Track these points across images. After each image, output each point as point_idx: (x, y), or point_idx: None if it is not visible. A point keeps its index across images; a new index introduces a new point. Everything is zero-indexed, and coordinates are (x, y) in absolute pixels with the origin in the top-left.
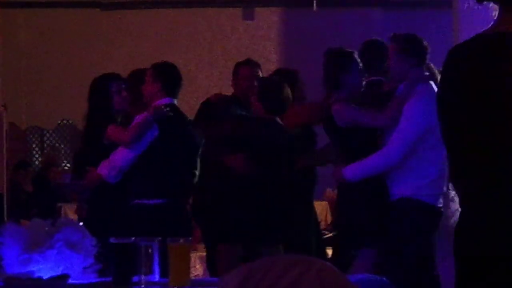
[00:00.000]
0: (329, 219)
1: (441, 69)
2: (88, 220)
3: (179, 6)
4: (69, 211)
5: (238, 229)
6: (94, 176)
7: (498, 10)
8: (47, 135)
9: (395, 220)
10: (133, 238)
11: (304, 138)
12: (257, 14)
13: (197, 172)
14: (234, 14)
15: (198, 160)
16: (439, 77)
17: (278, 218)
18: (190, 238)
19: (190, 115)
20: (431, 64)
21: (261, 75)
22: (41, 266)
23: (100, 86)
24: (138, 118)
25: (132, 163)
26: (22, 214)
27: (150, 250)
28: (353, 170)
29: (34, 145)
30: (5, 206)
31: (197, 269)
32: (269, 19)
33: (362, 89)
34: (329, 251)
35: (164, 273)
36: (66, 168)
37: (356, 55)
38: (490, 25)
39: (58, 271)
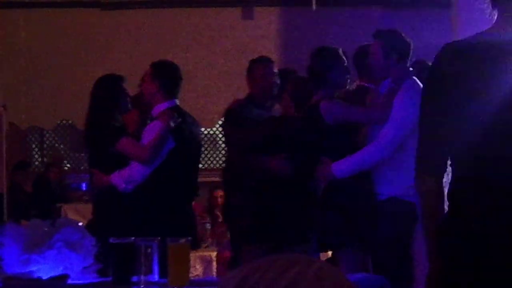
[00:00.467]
0: None
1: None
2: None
3: (178, 6)
4: (69, 212)
5: (269, 229)
6: (103, 181)
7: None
8: (47, 135)
9: (383, 220)
10: (132, 238)
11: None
12: (256, 14)
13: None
14: (233, 13)
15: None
16: None
17: (310, 218)
18: (190, 238)
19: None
20: (427, 62)
21: (276, 71)
22: (41, 266)
23: (112, 86)
24: (152, 129)
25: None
26: (22, 214)
27: (149, 250)
28: (342, 166)
29: (34, 145)
30: (5, 206)
31: (197, 269)
32: (268, 18)
33: (351, 89)
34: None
35: (163, 273)
36: (65, 168)
37: (341, 52)
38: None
39: (58, 271)
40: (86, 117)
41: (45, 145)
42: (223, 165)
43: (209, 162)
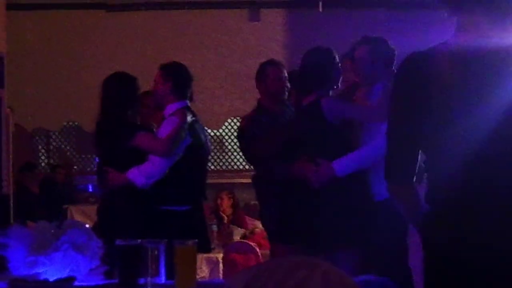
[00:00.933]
0: None
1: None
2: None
3: (184, 7)
4: (75, 213)
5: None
6: (119, 179)
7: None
8: (53, 137)
9: (381, 220)
10: (139, 240)
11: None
12: (263, 15)
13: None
14: (240, 15)
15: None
16: None
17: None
18: (196, 240)
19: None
20: None
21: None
22: (47, 268)
23: (127, 83)
24: (168, 123)
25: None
26: (29, 216)
27: (156, 252)
28: (343, 165)
29: (40, 147)
30: (11, 207)
31: (203, 271)
32: (275, 20)
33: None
34: None
35: (170, 275)
36: (72, 170)
37: (335, 52)
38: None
39: (64, 273)
40: (98, 114)
41: (51, 147)
42: (234, 167)
43: (215, 163)
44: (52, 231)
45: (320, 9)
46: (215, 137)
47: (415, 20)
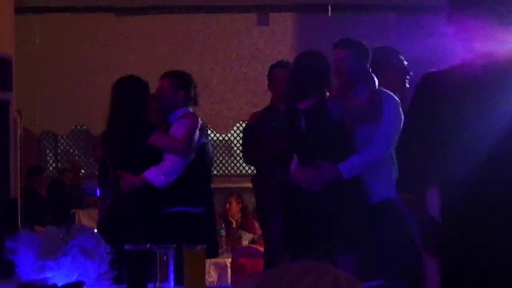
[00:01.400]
0: None
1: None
2: (110, 224)
3: (193, 12)
4: (83, 217)
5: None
6: (137, 181)
7: None
8: (61, 140)
9: (380, 222)
10: (148, 245)
11: None
12: (271, 20)
13: None
14: (249, 19)
15: None
16: None
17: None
18: (205, 245)
19: (205, 120)
20: None
21: None
22: (55, 273)
23: (142, 87)
24: (181, 124)
25: None
26: (36, 220)
27: (165, 257)
28: (350, 166)
29: (48, 151)
30: (19, 211)
31: (211, 276)
32: (283, 24)
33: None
34: None
35: (179, 280)
36: (80, 173)
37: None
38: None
39: (73, 278)
40: (109, 116)
41: (59, 151)
42: (243, 172)
43: (223, 168)
44: (61, 235)
45: (329, 14)
46: (223, 142)
47: (425, 24)
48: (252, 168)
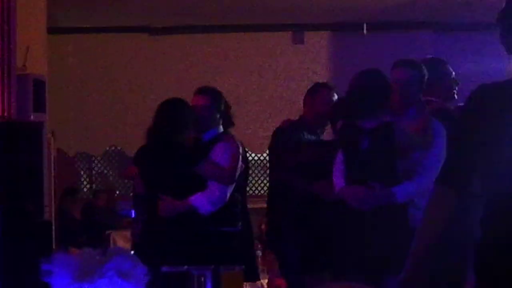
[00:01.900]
0: None
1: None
2: (147, 246)
3: (228, 31)
4: (118, 239)
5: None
6: (179, 206)
7: None
8: (95, 161)
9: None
10: (185, 267)
11: None
12: (307, 38)
13: None
14: (284, 37)
15: None
16: None
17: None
18: (243, 266)
19: (240, 140)
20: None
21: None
22: None
23: (184, 108)
24: (223, 150)
25: None
26: (71, 242)
27: (202, 279)
28: (404, 191)
29: (82, 172)
30: (53, 233)
31: None
32: (319, 43)
33: None
34: None
35: None
36: (114, 195)
37: None
38: None
39: None
40: (150, 138)
41: (93, 172)
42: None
43: (259, 188)
44: (97, 257)
45: (365, 32)
46: (258, 161)
47: (461, 42)
48: None
